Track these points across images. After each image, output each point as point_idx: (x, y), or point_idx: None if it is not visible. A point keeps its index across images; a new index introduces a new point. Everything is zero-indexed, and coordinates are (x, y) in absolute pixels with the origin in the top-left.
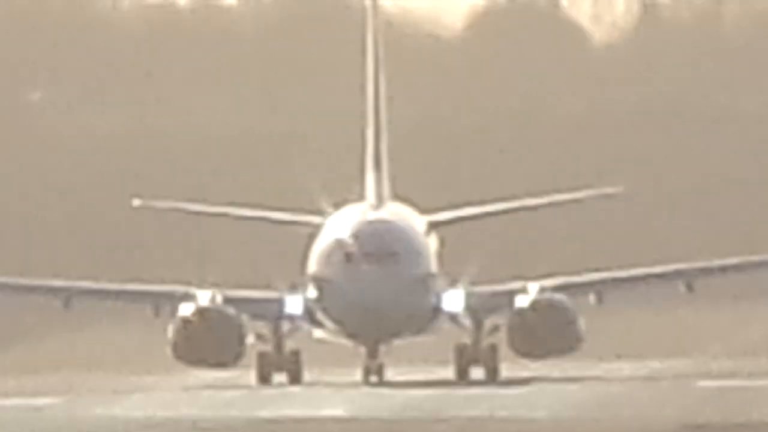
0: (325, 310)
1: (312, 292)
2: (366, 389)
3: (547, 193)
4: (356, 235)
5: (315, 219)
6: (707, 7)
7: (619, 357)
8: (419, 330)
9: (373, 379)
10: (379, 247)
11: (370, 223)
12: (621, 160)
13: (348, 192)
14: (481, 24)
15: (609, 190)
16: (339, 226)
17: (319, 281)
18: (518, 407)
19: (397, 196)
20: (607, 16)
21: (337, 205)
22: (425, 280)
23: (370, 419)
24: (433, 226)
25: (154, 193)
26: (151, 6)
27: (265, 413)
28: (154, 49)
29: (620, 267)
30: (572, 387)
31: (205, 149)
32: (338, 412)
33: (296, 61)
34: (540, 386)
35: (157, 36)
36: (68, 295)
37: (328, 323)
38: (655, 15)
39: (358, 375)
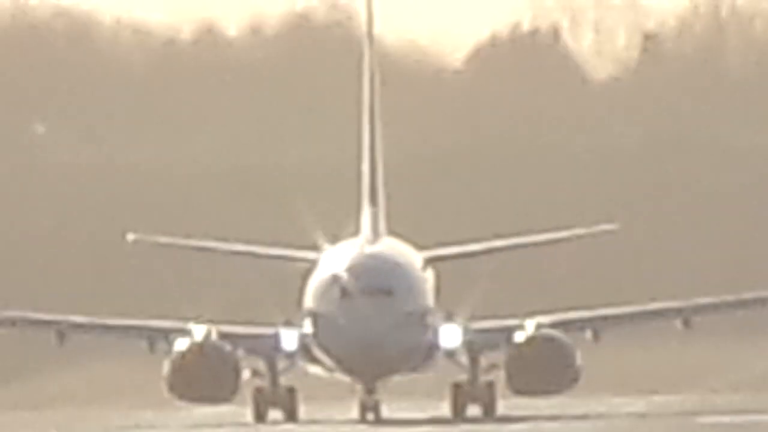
0: (321, 346)
1: (308, 328)
2: (362, 426)
3: (545, 229)
4: (352, 270)
5: (310, 254)
6: (709, 40)
7: (618, 393)
8: (416, 366)
9: (370, 416)
10: (375, 282)
11: (367, 257)
12: (620, 196)
13: (344, 227)
14: (482, 57)
15: (604, 227)
16: (335, 261)
17: (315, 317)
18: None
19: (393, 232)
20: (608, 50)
21: (333, 240)
22: (422, 316)
23: None
24: (430, 261)
25: (151, 228)
26: (152, 38)
27: None
28: (156, 82)
29: (617, 304)
30: (572, 424)
31: (201, 183)
32: None
33: (294, 95)
34: (538, 423)
35: (159, 69)
36: (62, 330)
37: (325, 359)
38: (657, 49)
39: (354, 412)
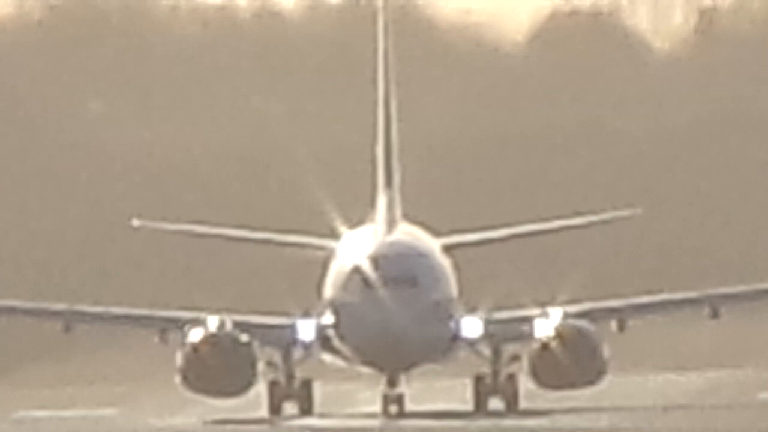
0: (342, 337)
1: (328, 318)
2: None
3: (576, 215)
4: (375, 259)
5: (327, 241)
6: (766, 16)
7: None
8: (438, 357)
9: (393, 409)
10: (398, 271)
11: (389, 246)
12: (667, 177)
13: (360, 213)
14: (540, 35)
15: (623, 213)
16: (355, 249)
17: (336, 307)
18: None
19: (408, 218)
20: (665, 26)
21: (350, 227)
22: (445, 306)
23: None
24: (446, 249)
25: (170, 215)
26: (209, 10)
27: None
28: (210, 60)
29: (640, 292)
30: (593, 416)
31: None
32: None
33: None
34: (559, 417)
35: (214, 45)
36: (70, 320)
37: (345, 350)
38: (713, 24)
39: (373, 405)
